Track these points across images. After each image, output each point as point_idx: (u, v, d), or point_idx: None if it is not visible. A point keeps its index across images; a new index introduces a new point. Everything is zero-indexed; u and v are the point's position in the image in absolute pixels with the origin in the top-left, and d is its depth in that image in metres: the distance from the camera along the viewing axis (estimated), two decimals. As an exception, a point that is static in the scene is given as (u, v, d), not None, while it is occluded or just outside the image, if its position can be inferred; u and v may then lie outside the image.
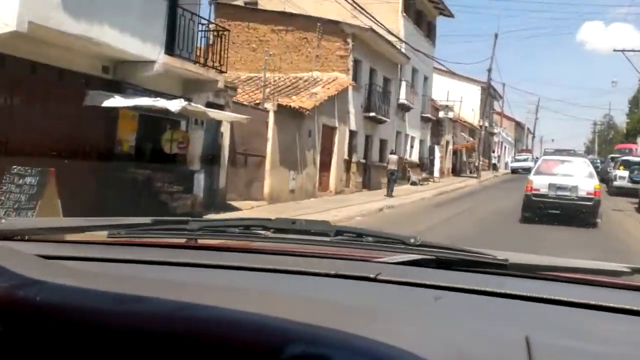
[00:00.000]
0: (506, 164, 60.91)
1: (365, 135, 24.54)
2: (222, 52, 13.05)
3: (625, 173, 29.32)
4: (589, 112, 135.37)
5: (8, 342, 0.83)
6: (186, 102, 10.81)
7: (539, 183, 16.26)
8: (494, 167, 51.11)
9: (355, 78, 23.17)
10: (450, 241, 1.88)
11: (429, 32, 32.90)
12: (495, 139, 56.95)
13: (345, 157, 22.16)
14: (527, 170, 28.46)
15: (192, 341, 0.79)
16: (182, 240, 1.63)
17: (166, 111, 10.60)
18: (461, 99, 43.49)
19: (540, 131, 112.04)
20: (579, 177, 16.21)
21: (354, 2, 18.83)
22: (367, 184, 24.78)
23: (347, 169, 22.75)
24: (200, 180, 12.79)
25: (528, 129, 74.34)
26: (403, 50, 27.40)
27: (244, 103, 16.25)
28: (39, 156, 8.53)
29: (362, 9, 19.85)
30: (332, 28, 22.08)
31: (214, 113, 12.55)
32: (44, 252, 1.24)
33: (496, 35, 40.29)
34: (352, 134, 23.07)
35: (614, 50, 42.65)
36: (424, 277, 1.27)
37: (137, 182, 11.20)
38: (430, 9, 32.30)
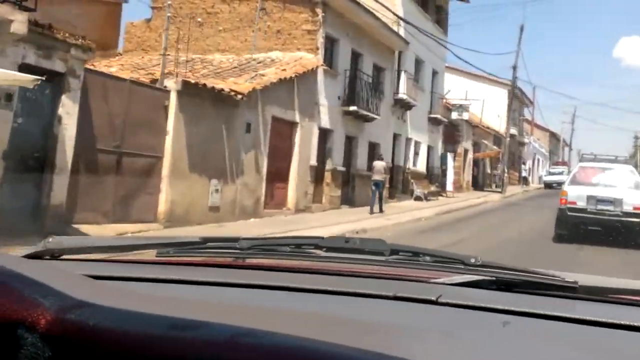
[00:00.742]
0: (540, 177, 54.65)
1: (347, 136, 19.12)
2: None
3: None
4: (632, 119, 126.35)
5: None
6: None
7: (576, 194, 13.86)
8: (524, 181, 44.98)
9: (330, 61, 17.83)
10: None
11: (439, 17, 27.40)
12: (526, 149, 50.73)
13: (313, 162, 16.76)
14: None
15: None
16: (232, 260, 1.60)
17: None
18: (483, 101, 37.67)
19: (577, 143, 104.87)
20: (623, 189, 13.85)
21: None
22: (350, 199, 19.30)
23: (318, 179, 17.34)
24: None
25: (563, 140, 67.69)
26: (402, 33, 22.00)
27: (125, 77, 11.04)
28: None
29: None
30: (296, -6, 16.87)
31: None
32: (92, 272, 1.23)
33: (522, 28, 34.12)
34: (325, 133, 17.68)
35: None
36: (487, 300, 1.22)
37: None
38: (440, -12, 26.92)
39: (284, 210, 15.38)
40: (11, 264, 0.92)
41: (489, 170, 39.01)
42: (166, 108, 11.27)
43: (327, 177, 17.77)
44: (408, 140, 24.38)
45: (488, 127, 37.89)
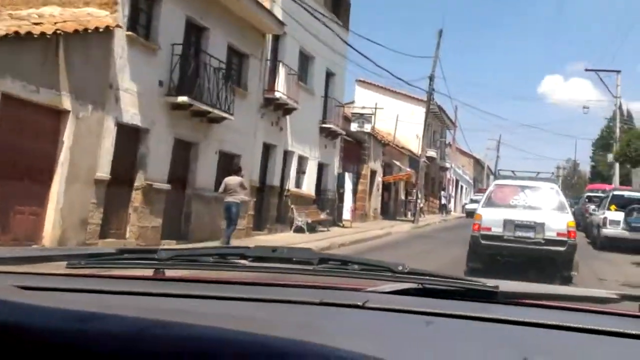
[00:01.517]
0: (463, 206, 50.69)
1: (179, 141, 13.42)
2: None
3: (619, 216, 19.16)
4: (554, 149, 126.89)
5: None
6: None
7: (491, 219, 11.52)
8: (444, 209, 40.49)
9: (147, 29, 12.23)
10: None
11: (337, 9, 22.31)
12: (448, 175, 46.54)
13: (102, 175, 10.94)
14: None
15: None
16: (150, 272, 1.54)
17: None
18: (397, 117, 32.97)
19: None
20: (546, 211, 11.53)
21: None
22: (182, 231, 13.58)
23: (119, 201, 11.53)
24: None
25: (488, 166, 64.43)
26: (279, 15, 16.68)
27: None
28: None
29: None
30: None
31: None
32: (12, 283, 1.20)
33: (440, 33, 29.06)
34: (135, 132, 11.97)
35: (586, 70, 35.03)
36: (414, 305, 1.24)
37: None
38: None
39: (33, 247, 9.45)
40: None
41: (403, 197, 34.16)
42: None
43: (136, 198, 11.98)
44: (288, 153, 18.93)
45: (403, 147, 33.09)
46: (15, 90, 9.00)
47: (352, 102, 36.08)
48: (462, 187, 56.49)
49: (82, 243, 10.34)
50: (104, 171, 10.89)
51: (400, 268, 1.40)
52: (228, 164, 15.11)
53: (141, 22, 12.10)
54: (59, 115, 10.01)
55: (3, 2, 11.16)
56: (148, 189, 12.15)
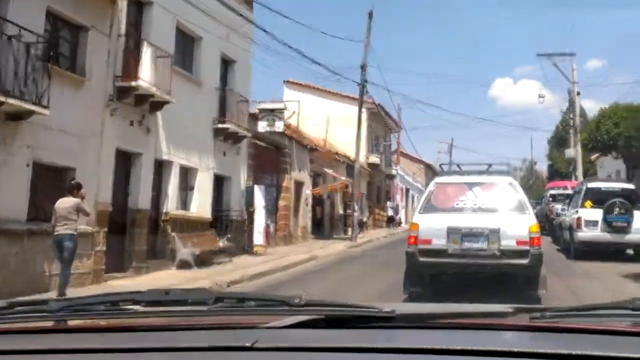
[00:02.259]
0: (414, 216, 46.53)
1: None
2: None
3: (597, 214, 15.12)
4: (510, 150, 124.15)
5: None
6: None
7: (431, 228, 9.10)
8: (391, 222, 36.24)
9: None
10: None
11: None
12: (396, 183, 42.38)
13: None
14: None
15: None
16: (41, 324, 1.47)
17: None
18: (328, 117, 28.64)
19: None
20: (502, 214, 9.12)
21: None
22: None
23: None
24: None
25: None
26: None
27: None
28: None
29: None
30: None
31: None
32: None
33: (370, 14, 24.40)
34: None
35: (538, 55, 32.96)
36: (307, 339, 1.27)
37: None
38: None
39: None
40: None
41: (341, 211, 29.71)
42: None
43: None
44: (164, 164, 14.19)
45: (337, 154, 28.65)
46: None
47: (281, 103, 31.60)
48: (413, 196, 52.48)
49: None
50: None
51: (297, 301, 1.41)
52: (54, 180, 10.33)
53: None
54: None
55: None
56: None
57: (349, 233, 27.53)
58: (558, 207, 22.21)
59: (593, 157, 40.42)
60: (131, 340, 1.30)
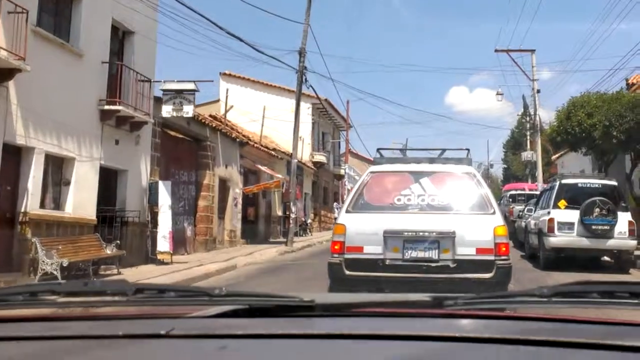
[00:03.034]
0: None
1: None
2: None
3: (573, 216, 12.64)
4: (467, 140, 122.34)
5: None
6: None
7: (362, 231, 7.05)
8: (338, 225, 33.58)
9: None
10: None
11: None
12: (346, 183, 39.80)
13: None
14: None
15: None
16: None
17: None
18: (264, 108, 25.89)
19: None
20: (458, 213, 7.10)
21: None
22: None
23: None
24: None
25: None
26: None
27: None
28: None
29: None
30: None
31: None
32: None
33: None
34: None
35: (496, 51, 31.48)
36: (227, 327, 1.28)
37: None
38: None
39: None
40: None
41: (279, 212, 26.91)
42: None
43: None
44: (25, 151, 11.18)
45: (274, 149, 25.85)
46: None
47: (217, 101, 28.76)
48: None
49: None
50: None
51: (217, 291, 1.42)
52: None
53: None
54: None
55: None
56: None
57: (291, 236, 24.79)
58: (518, 208, 20.03)
59: (554, 156, 38.56)
60: (49, 330, 1.30)
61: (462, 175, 7.34)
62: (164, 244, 15.05)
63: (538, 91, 34.53)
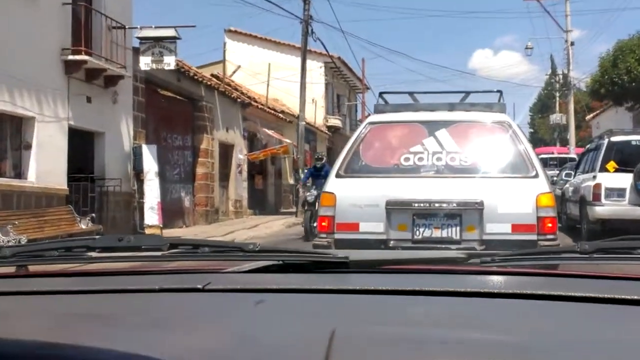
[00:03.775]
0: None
1: None
2: None
3: (625, 180, 10.35)
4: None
5: None
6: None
7: (358, 202, 5.25)
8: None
9: None
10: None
11: None
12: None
13: None
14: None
15: None
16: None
17: None
18: (269, 65, 23.85)
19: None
20: (487, 178, 5.25)
21: None
22: None
23: None
24: None
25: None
26: None
27: None
28: None
29: None
30: None
31: None
32: None
33: None
34: None
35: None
36: (261, 282, 1.29)
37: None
38: None
39: None
40: None
41: (291, 181, 25.03)
42: None
43: None
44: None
45: (283, 112, 23.85)
46: None
47: (221, 62, 26.70)
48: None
49: None
50: None
51: (251, 247, 1.43)
52: None
53: None
54: None
55: None
56: None
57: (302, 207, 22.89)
58: (550, 173, 17.83)
59: (588, 116, 35.90)
60: (85, 284, 1.32)
61: (492, 125, 5.55)
62: (151, 216, 13.26)
63: (572, 44, 31.87)
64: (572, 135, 32.16)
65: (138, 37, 12.46)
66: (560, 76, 43.77)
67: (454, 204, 4.96)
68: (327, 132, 29.14)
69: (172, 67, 12.69)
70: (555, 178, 15.85)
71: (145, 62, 12.48)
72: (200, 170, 17.08)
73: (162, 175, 14.94)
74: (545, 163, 22.23)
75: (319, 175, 12.65)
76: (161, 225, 13.41)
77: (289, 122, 23.58)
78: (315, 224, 7.86)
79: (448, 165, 5.22)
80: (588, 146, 13.70)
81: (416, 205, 4.99)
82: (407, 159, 5.27)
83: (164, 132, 15.36)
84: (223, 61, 20.79)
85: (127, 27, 12.52)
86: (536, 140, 58.48)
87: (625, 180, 10.26)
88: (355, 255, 1.42)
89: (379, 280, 1.31)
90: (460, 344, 0.87)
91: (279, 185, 23.88)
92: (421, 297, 1.14)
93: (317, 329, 0.93)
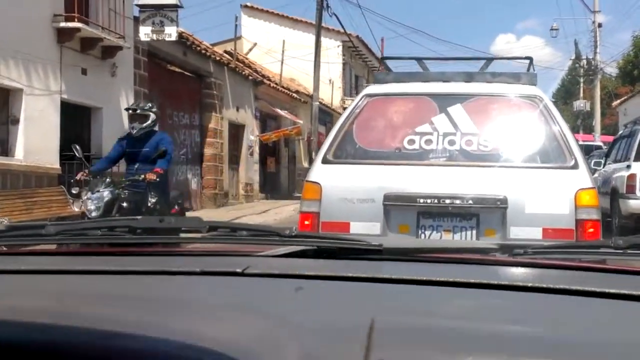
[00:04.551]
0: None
1: None
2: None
3: None
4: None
5: None
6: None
7: (348, 195, 4.11)
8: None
9: None
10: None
11: None
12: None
13: None
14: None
15: None
16: (42, 247, 1.58)
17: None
18: (283, 42, 22.84)
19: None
20: (513, 167, 4.09)
21: None
22: None
23: None
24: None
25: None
26: None
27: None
28: None
29: None
30: None
31: None
32: None
33: None
34: None
35: None
36: (298, 267, 1.30)
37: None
38: None
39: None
40: None
41: (305, 164, 24.10)
42: None
43: None
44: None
45: (297, 92, 22.84)
46: None
47: (238, 38, 25.71)
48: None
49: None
50: None
51: (287, 232, 1.45)
52: None
53: None
54: None
55: None
56: None
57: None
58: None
59: (615, 102, 34.35)
60: (127, 264, 1.32)
61: (520, 100, 4.41)
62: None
63: (599, 25, 30.37)
64: (597, 122, 30.77)
65: (137, 5, 11.51)
66: (585, 61, 42.27)
67: (470, 201, 3.93)
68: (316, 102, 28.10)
69: (174, 38, 11.75)
70: None
71: (145, 33, 11.54)
72: (208, 151, 16.19)
73: (166, 155, 14.09)
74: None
75: None
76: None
77: (304, 102, 22.58)
78: None
79: (463, 151, 4.16)
80: (621, 132, 12.53)
81: (422, 200, 3.98)
82: (411, 142, 4.21)
83: (169, 109, 14.46)
84: (234, 37, 19.73)
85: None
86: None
87: None
88: (388, 242, 1.45)
89: (414, 269, 1.31)
90: (496, 338, 0.87)
91: (292, 169, 22.97)
92: (455, 288, 1.12)
93: (356, 317, 0.93)
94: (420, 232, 4.03)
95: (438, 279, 1.17)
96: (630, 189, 9.50)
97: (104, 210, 6.15)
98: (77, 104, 11.10)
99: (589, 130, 37.73)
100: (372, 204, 4.02)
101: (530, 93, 4.37)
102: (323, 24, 26.33)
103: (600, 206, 4.06)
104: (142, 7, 11.41)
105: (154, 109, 6.93)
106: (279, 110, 20.01)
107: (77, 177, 7.29)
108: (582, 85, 44.05)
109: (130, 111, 6.99)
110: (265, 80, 19.09)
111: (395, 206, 4.02)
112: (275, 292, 1.13)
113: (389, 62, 5.53)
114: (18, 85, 9.63)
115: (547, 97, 4.48)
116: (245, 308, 0.98)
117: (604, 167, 11.97)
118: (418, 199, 3.95)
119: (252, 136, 18.64)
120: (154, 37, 11.49)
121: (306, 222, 4.12)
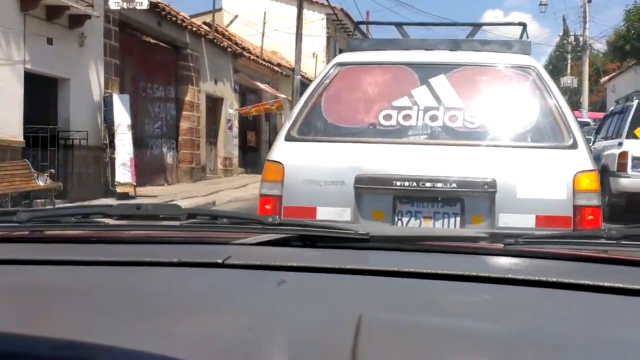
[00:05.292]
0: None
1: None
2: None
3: None
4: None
5: None
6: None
7: (313, 178, 3.57)
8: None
9: None
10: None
11: None
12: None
13: None
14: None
15: None
16: (13, 234, 1.49)
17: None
18: (264, 14, 22.32)
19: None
20: (502, 146, 3.59)
21: None
22: None
23: None
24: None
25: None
26: None
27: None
28: None
29: None
30: None
31: None
32: None
33: None
34: None
35: None
36: (280, 257, 1.27)
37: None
38: None
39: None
40: None
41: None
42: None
43: None
44: None
45: (279, 65, 22.41)
46: None
47: (220, 10, 25.12)
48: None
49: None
50: None
51: (270, 220, 1.40)
52: None
53: None
54: None
55: None
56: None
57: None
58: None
59: (603, 79, 34.19)
60: (102, 252, 1.29)
61: (511, 70, 3.96)
62: (124, 173, 12.06)
63: (589, 0, 30.01)
64: (585, 99, 30.58)
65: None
66: (573, 37, 41.91)
67: (454, 184, 3.51)
68: (298, 75, 27.71)
69: (145, 6, 11.31)
70: None
71: (115, 1, 11.10)
72: (184, 124, 15.85)
73: (141, 128, 13.74)
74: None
75: None
76: (134, 183, 12.24)
77: (285, 75, 22.18)
78: None
79: (446, 128, 3.69)
80: (612, 109, 12.29)
81: (399, 183, 3.54)
82: (387, 117, 3.75)
83: (142, 81, 14.07)
84: (213, 9, 19.22)
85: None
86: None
87: None
88: (375, 230, 1.40)
89: (403, 259, 1.28)
90: (485, 333, 0.86)
91: (272, 143, 22.67)
92: (446, 281, 1.10)
93: (342, 313, 0.90)
94: (396, 218, 3.60)
95: (428, 271, 1.14)
96: (622, 167, 9.26)
97: None
98: (43, 75, 10.70)
99: (576, 107, 37.59)
100: (342, 187, 3.59)
101: (524, 63, 3.88)
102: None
103: (600, 191, 3.75)
104: (111, -24, 10.96)
105: None
106: (259, 84, 19.64)
107: None
108: (569, 61, 43.86)
109: None
110: (245, 53, 18.65)
111: (369, 189, 3.59)
112: (257, 284, 1.09)
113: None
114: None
115: (542, 68, 4.08)
116: (226, 302, 0.95)
117: (593, 144, 11.77)
118: (394, 182, 3.52)
119: (231, 110, 18.29)
120: (124, 5, 11.07)
121: (267, 207, 3.73)
